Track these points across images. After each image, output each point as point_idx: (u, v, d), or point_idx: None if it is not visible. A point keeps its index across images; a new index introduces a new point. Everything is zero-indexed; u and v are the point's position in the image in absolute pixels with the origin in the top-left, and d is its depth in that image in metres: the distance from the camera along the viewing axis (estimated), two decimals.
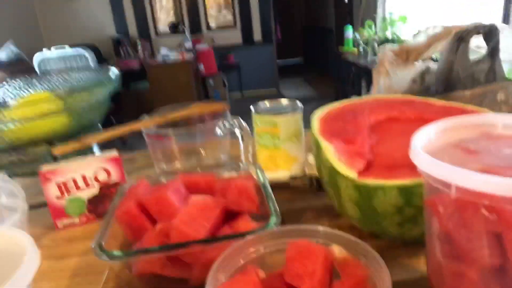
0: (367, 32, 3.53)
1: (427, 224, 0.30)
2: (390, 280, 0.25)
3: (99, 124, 0.77)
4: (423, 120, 0.48)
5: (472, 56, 0.61)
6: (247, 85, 5.74)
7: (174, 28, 5.11)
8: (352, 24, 4.34)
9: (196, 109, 0.74)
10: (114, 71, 0.72)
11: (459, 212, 0.26)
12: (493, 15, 2.52)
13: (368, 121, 0.48)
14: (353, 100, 0.54)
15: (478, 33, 0.55)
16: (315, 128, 0.46)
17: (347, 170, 0.39)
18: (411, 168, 0.38)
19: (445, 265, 0.28)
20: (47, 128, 0.59)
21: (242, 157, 0.69)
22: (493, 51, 0.56)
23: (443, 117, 0.47)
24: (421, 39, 0.67)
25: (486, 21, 0.59)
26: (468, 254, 0.26)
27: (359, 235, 0.44)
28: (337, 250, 0.30)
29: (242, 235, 0.33)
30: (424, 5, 3.29)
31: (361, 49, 3.55)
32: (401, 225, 0.38)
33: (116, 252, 0.36)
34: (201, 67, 4.92)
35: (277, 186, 0.61)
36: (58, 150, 0.60)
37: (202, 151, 0.72)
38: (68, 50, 3.00)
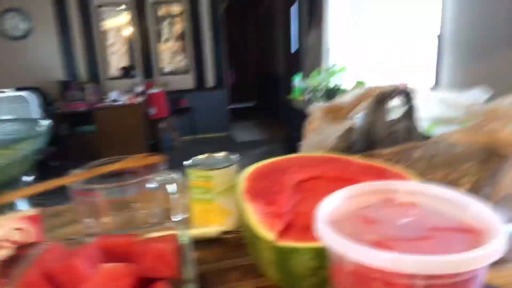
0: (313, 81, 3.71)
1: None
2: None
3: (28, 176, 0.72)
4: (343, 180, 0.50)
5: (394, 115, 0.65)
6: (200, 128, 5.76)
7: (126, 72, 5.09)
8: (300, 73, 4.56)
9: (129, 162, 0.72)
10: (43, 124, 0.69)
11: (356, 283, 0.26)
12: (427, 70, 2.75)
13: (293, 180, 0.49)
14: (281, 158, 0.55)
15: (395, 96, 0.59)
16: (240, 188, 0.47)
17: (266, 232, 0.39)
18: None
19: None
20: None
21: (175, 212, 0.67)
22: (409, 111, 0.61)
23: (363, 176, 0.49)
24: (348, 98, 0.71)
25: (407, 83, 0.64)
26: None
27: None
28: None
29: None
30: (364, 57, 3.54)
31: (307, 97, 3.71)
32: (319, 286, 0.38)
33: None
34: (152, 110, 4.89)
35: (208, 241, 0.60)
36: None
37: (134, 205, 0.69)
38: (7, 94, 2.87)
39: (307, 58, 4.77)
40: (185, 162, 0.65)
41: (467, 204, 0.29)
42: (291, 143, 4.19)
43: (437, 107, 0.68)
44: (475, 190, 0.48)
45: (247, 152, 4.85)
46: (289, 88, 4.81)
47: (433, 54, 2.65)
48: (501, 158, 0.48)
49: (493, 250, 0.23)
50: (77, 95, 4.83)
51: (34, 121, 0.69)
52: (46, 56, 5.01)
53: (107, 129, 4.29)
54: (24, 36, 4.89)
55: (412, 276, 0.23)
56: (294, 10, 5.42)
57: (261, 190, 0.46)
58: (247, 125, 6.81)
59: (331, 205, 0.32)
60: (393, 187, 0.34)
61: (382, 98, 0.59)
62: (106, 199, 0.65)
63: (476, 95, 0.66)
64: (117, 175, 0.69)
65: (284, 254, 0.38)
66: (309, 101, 3.61)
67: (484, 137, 0.50)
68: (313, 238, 0.38)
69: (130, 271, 0.37)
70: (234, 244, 0.59)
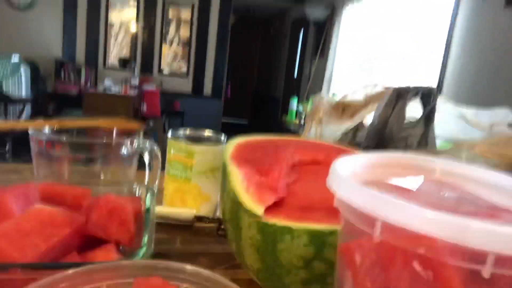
0: (310, 107, 3.67)
1: (338, 281, 0.22)
2: None
3: None
4: None
5: (411, 118, 0.58)
6: None
7: (124, 63, 5.00)
8: (297, 97, 4.54)
9: (104, 122, 0.64)
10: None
11: (382, 263, 0.18)
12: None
13: (291, 158, 0.41)
14: (278, 137, 0.48)
15: (417, 93, 0.52)
16: (227, 153, 0.38)
17: (253, 204, 0.31)
18: (329, 213, 0.30)
19: None
20: None
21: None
22: (429, 116, 0.54)
23: None
24: (359, 97, 0.64)
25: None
26: None
27: None
28: None
29: (84, 264, 0.23)
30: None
31: (302, 122, 3.68)
32: (307, 284, 0.29)
33: None
34: (144, 107, 4.78)
35: (178, 225, 0.51)
36: None
37: (101, 175, 0.60)
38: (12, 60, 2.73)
39: (308, 84, 4.76)
40: (169, 132, 0.57)
41: None
42: None
43: (455, 122, 0.61)
44: None
45: None
46: (284, 110, 4.77)
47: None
48: None
49: None
50: (71, 77, 4.70)
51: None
52: (47, 31, 4.89)
53: (94, 116, 4.15)
54: (28, 7, 4.77)
55: (477, 256, 0.15)
56: (301, 37, 5.48)
57: (252, 159, 0.38)
58: None
59: (349, 169, 0.24)
60: (428, 163, 0.26)
61: (402, 93, 0.52)
62: (70, 158, 0.56)
63: (500, 115, 0.60)
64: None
65: (273, 235, 0.29)
66: (304, 126, 3.56)
67: None
68: (311, 219, 0.30)
69: (71, 220, 0.28)
70: (206, 233, 0.51)
